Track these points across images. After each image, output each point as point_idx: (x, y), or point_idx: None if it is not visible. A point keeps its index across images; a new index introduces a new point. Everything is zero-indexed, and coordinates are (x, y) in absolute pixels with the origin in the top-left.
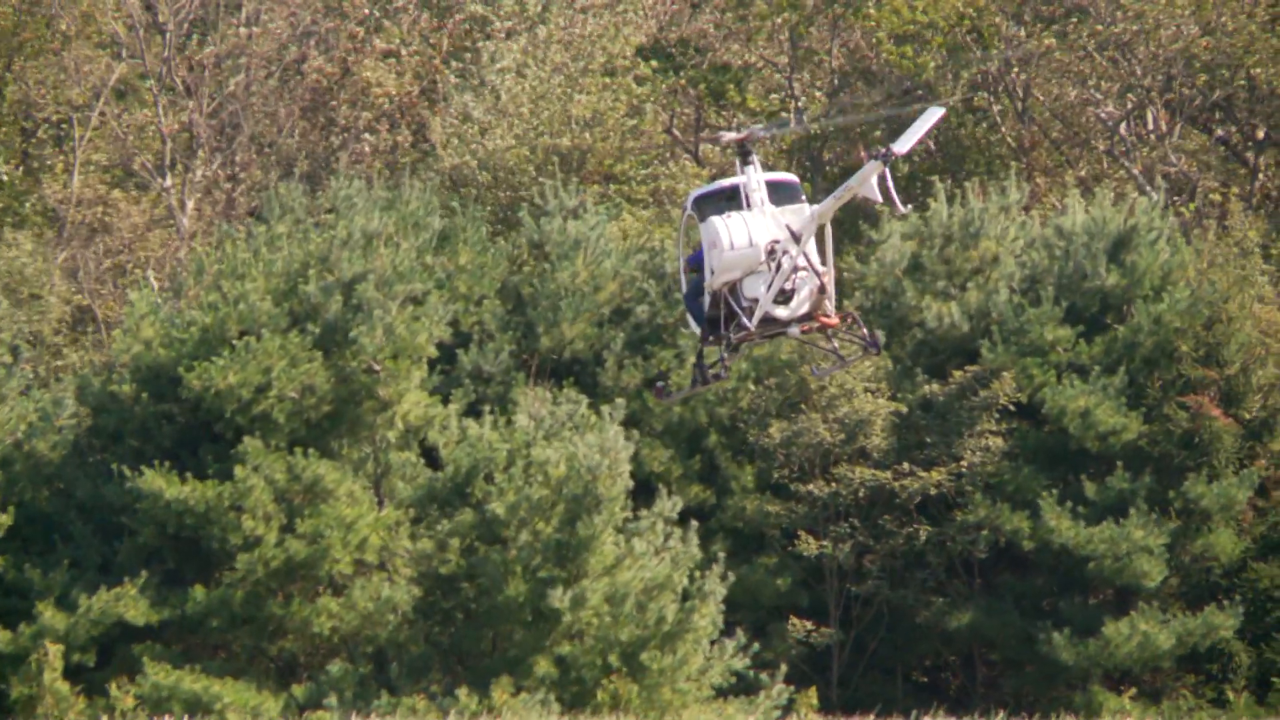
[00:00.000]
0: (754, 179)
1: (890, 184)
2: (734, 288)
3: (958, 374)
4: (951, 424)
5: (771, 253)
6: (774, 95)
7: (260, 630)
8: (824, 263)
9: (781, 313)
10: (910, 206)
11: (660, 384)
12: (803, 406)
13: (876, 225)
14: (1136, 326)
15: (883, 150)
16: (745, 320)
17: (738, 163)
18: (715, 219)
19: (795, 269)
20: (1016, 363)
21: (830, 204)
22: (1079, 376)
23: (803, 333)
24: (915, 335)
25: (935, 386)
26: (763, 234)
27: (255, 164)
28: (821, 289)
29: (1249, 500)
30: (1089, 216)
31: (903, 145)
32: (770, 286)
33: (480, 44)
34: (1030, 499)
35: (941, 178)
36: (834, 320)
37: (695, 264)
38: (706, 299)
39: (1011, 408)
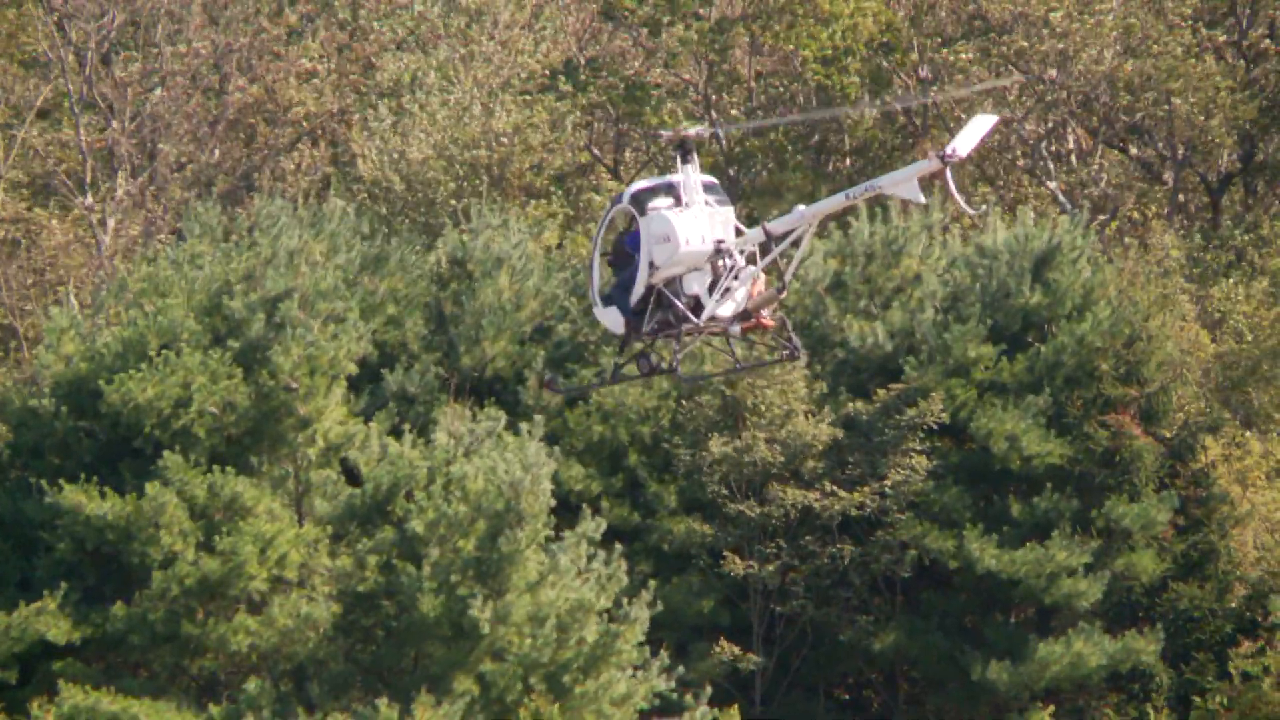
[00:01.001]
0: (693, 177)
1: (952, 183)
2: (672, 282)
3: (881, 393)
4: (876, 444)
5: (718, 251)
6: (688, 122)
7: (181, 648)
8: (789, 264)
9: (725, 310)
10: (985, 207)
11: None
12: (748, 422)
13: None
14: (1059, 345)
15: (946, 151)
16: (690, 316)
17: (678, 160)
18: (667, 213)
19: (738, 267)
20: (940, 382)
21: (838, 202)
22: (1001, 395)
23: (743, 332)
24: (837, 354)
25: (860, 405)
26: (711, 232)
27: (176, 181)
28: (782, 289)
29: (1170, 519)
30: (1011, 234)
31: (965, 146)
32: (720, 285)
33: (379, 57)
34: (954, 518)
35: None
36: (770, 323)
37: (626, 257)
38: (638, 292)
39: (934, 426)
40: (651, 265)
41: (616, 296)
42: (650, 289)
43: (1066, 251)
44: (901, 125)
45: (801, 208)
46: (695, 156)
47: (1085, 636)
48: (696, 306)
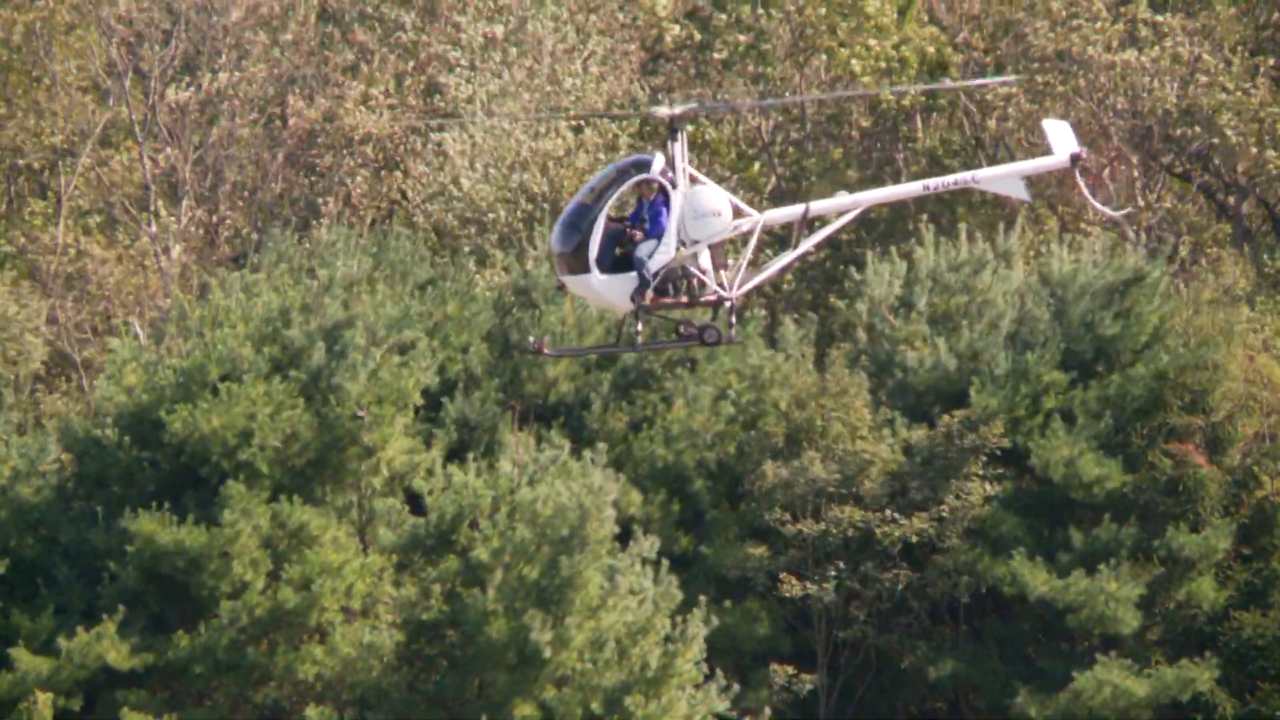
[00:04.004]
0: (683, 156)
1: (1083, 185)
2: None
3: (946, 418)
4: (938, 469)
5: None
6: (743, 145)
7: (244, 677)
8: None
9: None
10: (1129, 209)
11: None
12: (804, 446)
13: (861, 268)
14: (1131, 376)
15: (1076, 151)
16: (722, 290)
17: (670, 141)
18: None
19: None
20: (1007, 411)
21: (913, 191)
22: (1067, 423)
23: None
24: (898, 377)
25: (923, 431)
26: None
27: (239, 210)
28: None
29: (1232, 548)
30: (1081, 264)
31: (1074, 146)
32: (741, 261)
33: (446, 80)
34: (1013, 545)
35: (927, 224)
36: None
37: (656, 230)
38: (660, 263)
39: (998, 453)
40: (684, 239)
41: (645, 263)
42: (667, 263)
43: (1146, 282)
44: (960, 148)
45: (844, 193)
46: (684, 136)
47: (1114, 668)
48: (703, 281)
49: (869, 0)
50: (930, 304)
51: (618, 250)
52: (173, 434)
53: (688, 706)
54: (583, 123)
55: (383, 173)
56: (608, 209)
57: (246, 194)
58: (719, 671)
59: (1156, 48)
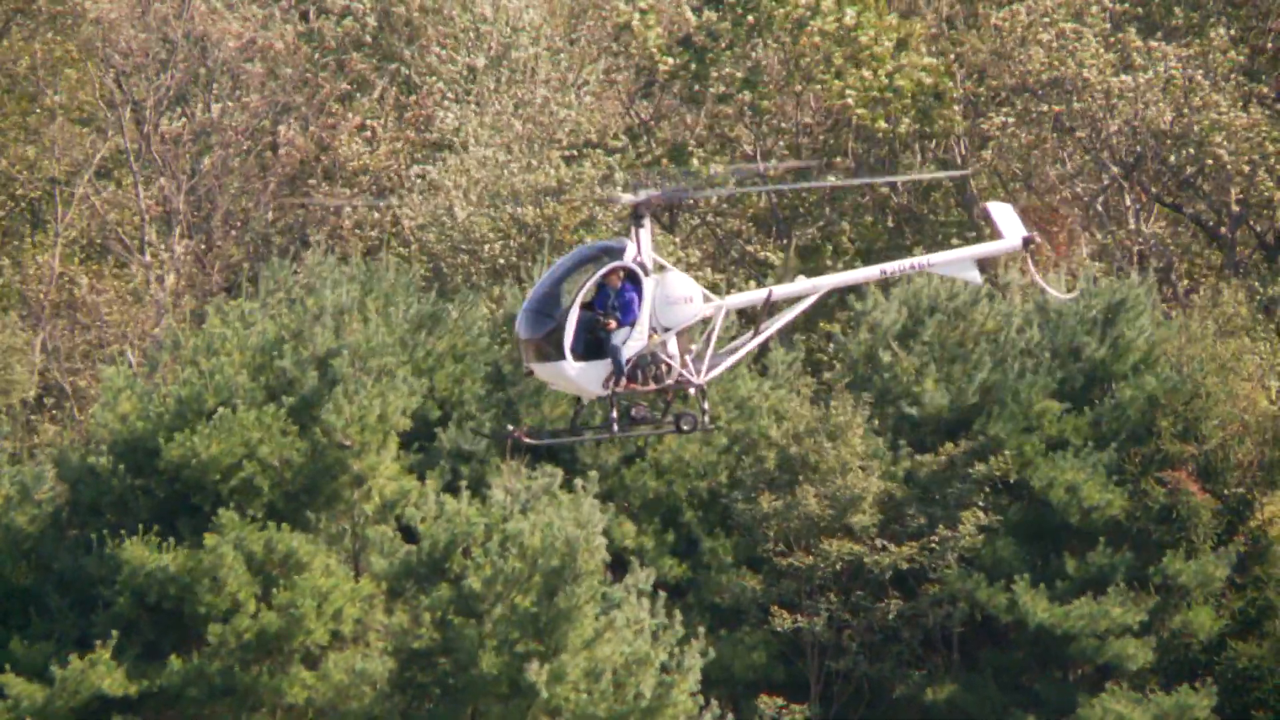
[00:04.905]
0: (649, 243)
1: (1033, 268)
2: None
3: (950, 445)
4: (938, 499)
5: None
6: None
7: (238, 702)
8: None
9: (712, 371)
10: (1076, 291)
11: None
12: (800, 478)
13: (862, 297)
14: (1123, 401)
15: (1028, 236)
16: (689, 375)
17: (635, 227)
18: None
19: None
20: (1011, 437)
21: (869, 276)
22: (1065, 451)
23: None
24: (900, 408)
25: (926, 459)
26: None
27: (231, 240)
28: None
29: (1228, 577)
30: (1076, 290)
31: (1020, 230)
32: (709, 346)
33: (437, 111)
34: (1009, 572)
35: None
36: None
37: (630, 318)
38: (633, 349)
39: (999, 486)
40: (655, 326)
41: (620, 349)
42: (639, 349)
43: (1133, 309)
44: (950, 192)
45: (803, 278)
46: (649, 222)
47: (1119, 697)
48: (670, 366)
49: (862, 29)
50: (932, 334)
51: (587, 336)
52: (168, 461)
53: None
54: (576, 153)
55: (381, 203)
56: (581, 297)
57: (239, 223)
58: (713, 701)
59: (1150, 71)
